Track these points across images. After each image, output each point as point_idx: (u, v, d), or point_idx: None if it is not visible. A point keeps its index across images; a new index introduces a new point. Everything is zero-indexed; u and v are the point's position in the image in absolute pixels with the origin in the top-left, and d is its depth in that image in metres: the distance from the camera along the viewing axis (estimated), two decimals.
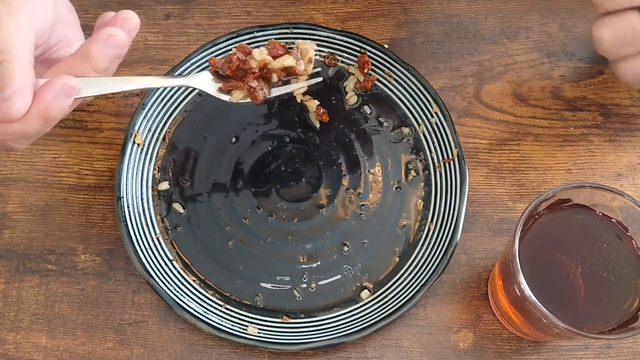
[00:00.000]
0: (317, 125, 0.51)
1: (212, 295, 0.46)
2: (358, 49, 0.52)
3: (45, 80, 0.37)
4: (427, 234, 0.47)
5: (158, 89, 0.50)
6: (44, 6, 0.39)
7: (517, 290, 0.38)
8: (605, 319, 0.38)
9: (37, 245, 0.48)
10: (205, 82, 0.44)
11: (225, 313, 0.45)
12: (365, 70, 0.51)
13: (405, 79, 0.51)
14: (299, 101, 0.51)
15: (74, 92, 0.37)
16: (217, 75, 0.44)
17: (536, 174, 0.50)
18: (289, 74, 0.44)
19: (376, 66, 0.52)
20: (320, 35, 0.52)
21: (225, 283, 0.46)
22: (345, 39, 0.52)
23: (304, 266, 0.47)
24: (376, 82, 0.52)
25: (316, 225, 0.48)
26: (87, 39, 0.39)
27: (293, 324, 0.45)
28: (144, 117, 0.49)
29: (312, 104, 0.50)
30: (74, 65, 0.38)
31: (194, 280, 0.46)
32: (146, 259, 0.46)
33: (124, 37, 0.39)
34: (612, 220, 0.39)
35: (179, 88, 0.51)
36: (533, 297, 0.36)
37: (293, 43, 0.52)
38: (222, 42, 0.51)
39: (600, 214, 0.40)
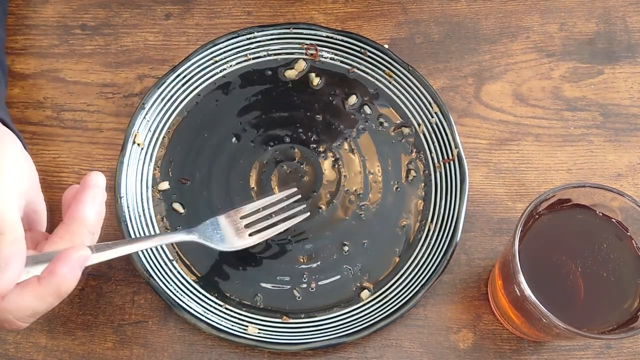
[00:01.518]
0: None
1: (212, 295, 0.46)
2: (358, 49, 0.52)
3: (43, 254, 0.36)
4: (427, 234, 0.47)
5: (158, 88, 0.50)
6: (23, 170, 0.39)
7: (517, 290, 0.38)
8: (605, 319, 0.38)
9: None
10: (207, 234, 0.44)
11: (225, 313, 0.45)
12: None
13: (405, 79, 0.51)
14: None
15: (86, 262, 0.36)
16: None
17: (536, 174, 0.50)
18: None
19: (376, 66, 0.52)
20: (320, 35, 0.52)
21: (225, 283, 0.46)
22: (345, 39, 0.52)
23: (304, 266, 0.47)
24: (376, 82, 0.52)
25: (316, 225, 0.48)
26: (73, 205, 0.38)
27: (293, 324, 0.45)
28: (144, 117, 0.49)
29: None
30: (71, 232, 0.37)
31: (194, 280, 0.46)
32: (146, 259, 0.46)
33: (104, 192, 0.39)
34: (612, 220, 0.39)
35: (179, 88, 0.51)
36: (533, 297, 0.36)
37: (293, 43, 0.52)
38: (222, 42, 0.52)
39: (600, 214, 0.40)
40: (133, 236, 0.46)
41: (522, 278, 0.36)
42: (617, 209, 0.39)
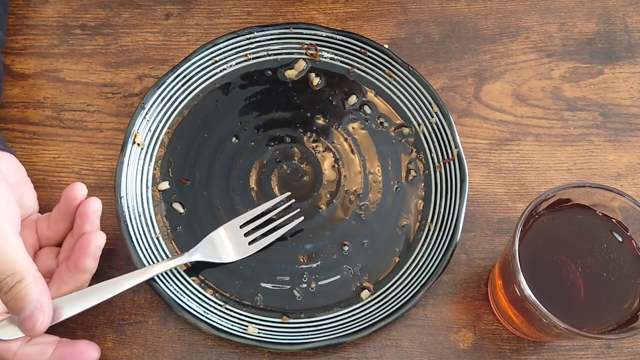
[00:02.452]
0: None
1: (212, 295, 0.46)
2: (358, 49, 0.52)
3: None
4: (427, 234, 0.47)
5: (158, 88, 0.50)
6: (11, 202, 0.41)
7: (517, 290, 0.38)
8: (605, 319, 0.38)
9: None
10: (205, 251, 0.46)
11: (225, 313, 0.45)
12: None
13: (405, 79, 0.51)
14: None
15: None
16: None
17: (536, 174, 0.50)
18: None
19: (376, 66, 0.52)
20: (320, 35, 0.52)
21: (225, 283, 0.46)
22: (345, 39, 0.52)
23: (304, 266, 0.47)
24: (376, 82, 0.52)
25: (316, 225, 0.48)
26: (75, 253, 0.41)
27: (293, 324, 0.45)
28: (144, 117, 0.49)
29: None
30: (75, 280, 0.41)
31: (194, 280, 0.46)
32: (146, 259, 0.46)
33: (104, 237, 0.42)
34: (612, 220, 0.39)
35: (179, 88, 0.51)
36: (533, 297, 0.36)
37: (293, 43, 0.52)
38: (222, 42, 0.52)
39: (600, 214, 0.40)
40: (133, 237, 0.46)
41: (522, 278, 0.37)
42: (617, 209, 0.39)
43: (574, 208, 0.40)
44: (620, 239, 0.39)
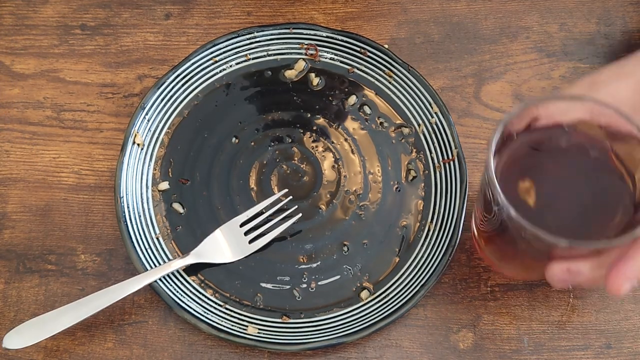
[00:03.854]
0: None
1: (212, 295, 0.46)
2: (358, 49, 0.52)
3: None
4: (427, 234, 0.47)
5: (158, 88, 0.50)
6: None
7: (499, 213, 0.35)
8: (599, 235, 0.35)
9: (37, 245, 0.48)
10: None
11: (225, 313, 0.45)
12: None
13: (405, 79, 0.51)
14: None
15: None
16: None
17: None
18: None
19: (376, 66, 0.52)
20: (320, 35, 0.52)
21: (225, 283, 0.46)
22: (345, 39, 0.52)
23: (304, 266, 0.47)
24: (376, 82, 0.52)
25: (316, 225, 0.48)
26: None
27: (293, 324, 0.45)
28: (144, 117, 0.49)
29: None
30: None
31: (194, 280, 0.46)
32: (146, 259, 0.46)
33: None
34: (592, 136, 0.37)
35: (179, 88, 0.51)
36: (514, 212, 0.33)
37: (293, 43, 0.52)
38: (222, 42, 0.52)
39: (578, 131, 0.38)
40: (133, 237, 0.46)
41: (502, 197, 0.33)
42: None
43: (552, 128, 0.38)
44: (600, 154, 0.37)
